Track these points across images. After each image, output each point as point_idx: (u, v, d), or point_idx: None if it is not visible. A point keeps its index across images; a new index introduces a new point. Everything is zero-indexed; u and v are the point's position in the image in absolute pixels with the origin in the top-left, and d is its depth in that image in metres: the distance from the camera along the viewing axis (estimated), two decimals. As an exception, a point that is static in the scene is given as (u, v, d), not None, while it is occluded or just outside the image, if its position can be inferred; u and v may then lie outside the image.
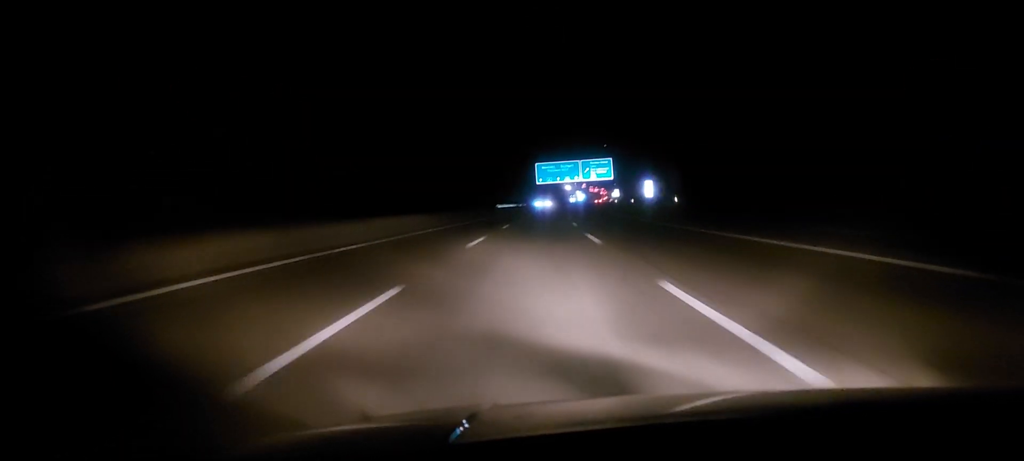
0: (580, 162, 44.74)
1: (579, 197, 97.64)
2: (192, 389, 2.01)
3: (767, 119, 18.35)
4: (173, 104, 12.23)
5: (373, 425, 1.09)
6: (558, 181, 46.60)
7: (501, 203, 52.39)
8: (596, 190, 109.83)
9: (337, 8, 19.31)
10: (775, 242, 6.63)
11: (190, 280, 5.10)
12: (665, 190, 23.95)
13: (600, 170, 44.44)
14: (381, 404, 1.85)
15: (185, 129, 12.41)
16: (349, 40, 20.77)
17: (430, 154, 26.99)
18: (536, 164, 45.03)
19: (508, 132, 50.55)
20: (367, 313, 3.28)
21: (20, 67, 9.12)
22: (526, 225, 14.74)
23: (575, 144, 49.63)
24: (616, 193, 59.85)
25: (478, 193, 38.30)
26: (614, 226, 12.99)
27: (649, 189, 23.37)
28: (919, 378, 1.86)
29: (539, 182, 45.43)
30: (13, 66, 8.94)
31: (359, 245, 9.38)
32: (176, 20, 12.15)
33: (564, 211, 41.90)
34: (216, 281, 5.13)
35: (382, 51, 25.28)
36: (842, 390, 1.36)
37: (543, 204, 54.60)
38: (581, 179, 45.32)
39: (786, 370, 1.99)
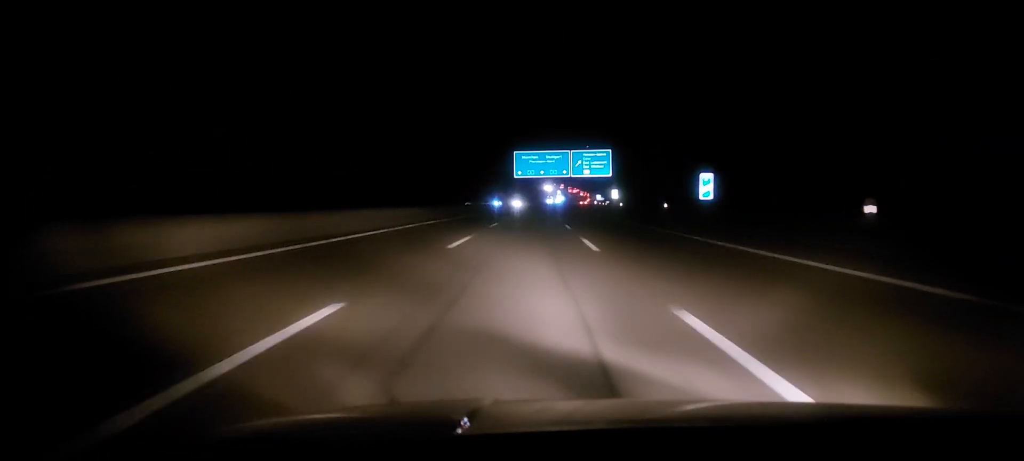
0: (570, 153, 43.89)
1: (558, 198, 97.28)
2: (186, 364, 2.50)
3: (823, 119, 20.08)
4: (173, 104, 13.81)
5: (375, 414, 1.26)
6: (542, 175, 45.99)
7: (470, 200, 51.31)
8: (576, 190, 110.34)
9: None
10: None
11: (191, 262, 6.49)
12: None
13: (596, 163, 43.31)
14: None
15: (185, 129, 14.05)
16: (324, 33, 22.55)
17: (396, 151, 29.03)
18: (514, 153, 43.97)
19: (487, 122, 50.58)
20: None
21: (20, 69, 10.54)
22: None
23: (566, 137, 48.36)
24: (614, 194, 59.71)
25: (449, 190, 38.69)
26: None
27: (706, 187, 21.61)
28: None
29: (518, 176, 44.44)
30: (14, 68, 10.37)
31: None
32: (175, 22, 13.85)
33: (540, 213, 40.60)
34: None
35: (357, 41, 27.09)
36: (839, 405, 1.73)
37: (507, 204, 51.79)
38: (570, 175, 44.61)
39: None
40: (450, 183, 39.88)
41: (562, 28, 53.99)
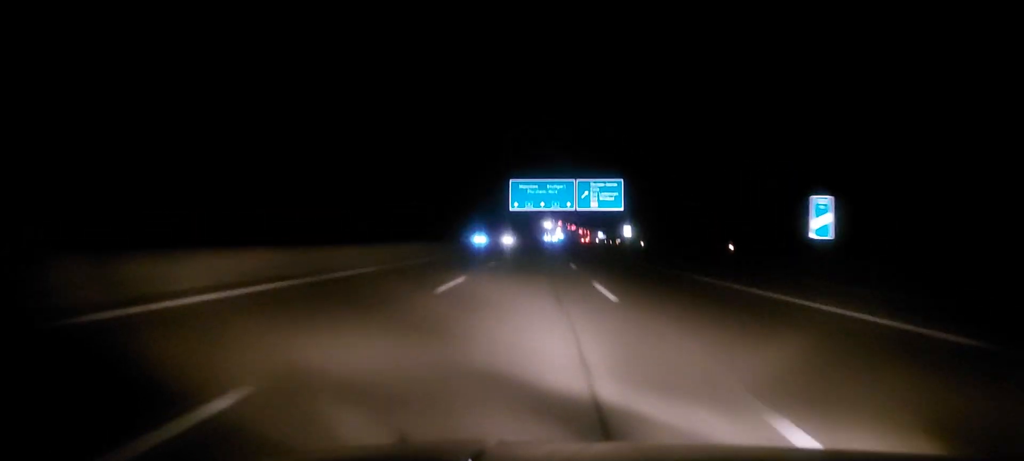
0: (576, 182, 38.51)
1: (558, 235, 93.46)
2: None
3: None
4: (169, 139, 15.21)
5: (381, 454, 1.35)
6: (542, 208, 39.97)
7: (451, 236, 45.04)
8: (574, 227, 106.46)
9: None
10: None
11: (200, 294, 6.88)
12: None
13: (606, 195, 38.47)
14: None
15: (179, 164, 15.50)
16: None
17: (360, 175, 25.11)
18: (510, 181, 38.61)
19: (476, 145, 43.40)
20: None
21: (28, 111, 11.56)
22: None
23: (570, 165, 43.03)
24: (627, 230, 52.25)
25: (426, 224, 33.47)
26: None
27: (821, 220, 14.15)
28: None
29: (514, 208, 38.78)
30: (20, 108, 11.35)
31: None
32: (179, 58, 15.50)
33: (538, 254, 35.03)
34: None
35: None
36: (849, 452, 1.83)
37: (495, 241, 45.26)
38: (576, 208, 39.09)
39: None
40: (428, 216, 35.02)
41: (562, 43, 46.60)
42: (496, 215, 43.67)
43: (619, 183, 37.82)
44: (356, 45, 28.66)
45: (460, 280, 11.15)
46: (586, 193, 38.14)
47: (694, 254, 24.65)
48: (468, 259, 22.88)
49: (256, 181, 18.78)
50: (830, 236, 15.16)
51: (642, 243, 47.36)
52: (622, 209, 39.09)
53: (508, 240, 46.84)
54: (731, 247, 26.04)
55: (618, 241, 66.21)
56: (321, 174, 22.51)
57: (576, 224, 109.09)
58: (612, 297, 8.48)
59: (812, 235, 15.37)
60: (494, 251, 38.44)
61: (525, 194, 38.49)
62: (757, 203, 22.85)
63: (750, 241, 23.01)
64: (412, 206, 33.17)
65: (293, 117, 21.38)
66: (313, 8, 23.27)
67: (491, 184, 41.38)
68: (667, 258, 24.93)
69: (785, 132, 20.20)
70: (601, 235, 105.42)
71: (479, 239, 40.92)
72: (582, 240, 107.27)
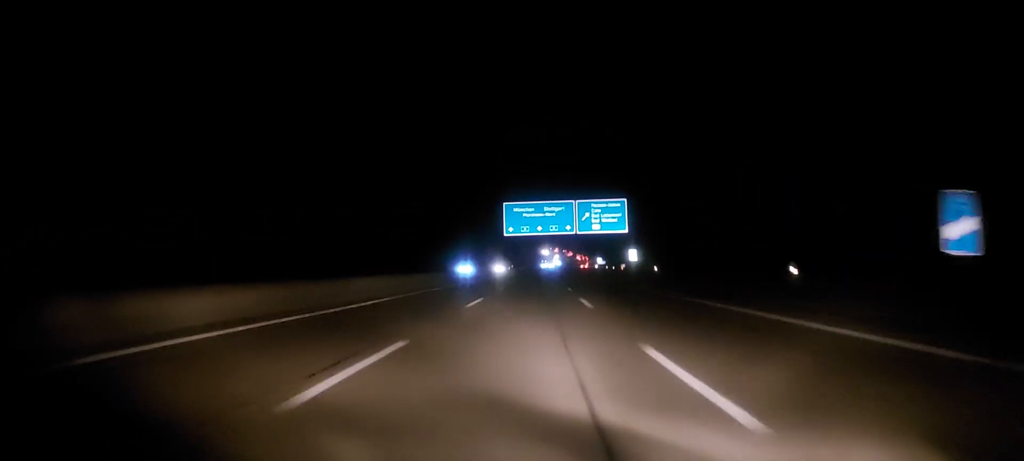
0: (575, 203, 35.83)
1: (556, 262, 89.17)
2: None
3: None
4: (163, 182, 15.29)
5: None
6: (540, 232, 37.42)
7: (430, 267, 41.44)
8: (571, 253, 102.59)
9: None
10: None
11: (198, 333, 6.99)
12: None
13: (608, 217, 35.75)
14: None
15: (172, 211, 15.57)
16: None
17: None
18: (504, 204, 36.18)
19: (464, 166, 39.79)
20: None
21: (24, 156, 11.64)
22: None
23: (568, 186, 39.26)
24: (632, 255, 47.30)
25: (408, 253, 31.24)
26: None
27: (959, 227, 10.48)
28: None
29: (509, 233, 36.29)
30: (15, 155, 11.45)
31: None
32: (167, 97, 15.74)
33: (536, 284, 31.21)
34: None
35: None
36: None
37: (486, 270, 42.52)
38: (577, 231, 36.50)
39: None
40: (416, 240, 33.33)
41: (562, 40, 42.79)
42: (489, 241, 40.03)
43: (622, 204, 35.13)
44: (352, 50, 28.62)
45: (396, 347, 6.00)
46: (587, 215, 35.44)
47: (737, 281, 19.17)
48: (445, 296, 18.02)
49: (254, 184, 19.45)
50: (976, 250, 10.07)
51: (655, 268, 42.20)
52: (626, 231, 36.31)
53: (500, 269, 42.09)
54: (794, 270, 20.71)
55: (623, 266, 61.01)
56: (314, 178, 23.29)
57: (573, 249, 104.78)
58: (741, 415, 3.33)
59: (948, 248, 10.34)
60: (483, 282, 33.50)
61: (520, 218, 35.68)
62: (821, 210, 17.88)
63: (822, 261, 17.83)
64: (404, 216, 32.07)
65: (290, 121, 21.65)
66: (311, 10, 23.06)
67: (484, 208, 38.73)
68: (700, 287, 19.28)
69: (867, 106, 15.13)
70: (600, 260, 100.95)
71: (464, 269, 36.18)
72: (581, 266, 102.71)
